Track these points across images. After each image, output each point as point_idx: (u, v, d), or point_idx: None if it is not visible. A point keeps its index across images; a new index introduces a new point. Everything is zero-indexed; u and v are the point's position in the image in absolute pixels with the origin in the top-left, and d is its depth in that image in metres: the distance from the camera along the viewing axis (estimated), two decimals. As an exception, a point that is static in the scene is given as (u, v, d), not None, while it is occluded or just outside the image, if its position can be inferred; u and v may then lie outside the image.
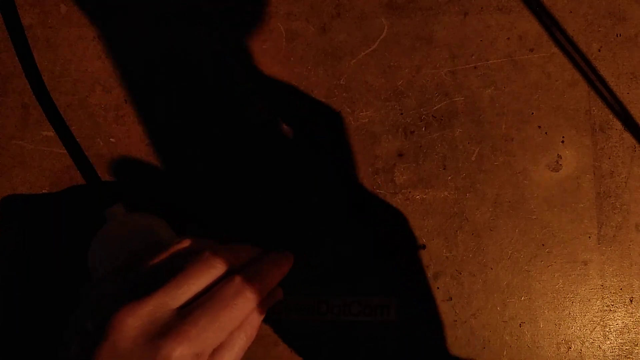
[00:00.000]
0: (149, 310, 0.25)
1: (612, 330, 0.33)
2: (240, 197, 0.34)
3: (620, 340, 0.33)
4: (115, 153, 0.34)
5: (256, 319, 0.27)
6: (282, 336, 0.33)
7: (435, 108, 0.34)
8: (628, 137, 0.34)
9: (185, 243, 0.28)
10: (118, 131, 0.34)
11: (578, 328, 0.33)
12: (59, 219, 0.34)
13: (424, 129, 0.34)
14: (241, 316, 0.26)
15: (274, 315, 0.33)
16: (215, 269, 0.27)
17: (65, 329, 0.25)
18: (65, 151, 0.34)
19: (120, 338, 0.24)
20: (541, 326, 0.33)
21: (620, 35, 0.34)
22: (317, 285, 0.34)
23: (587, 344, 0.33)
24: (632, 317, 0.33)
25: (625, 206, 0.34)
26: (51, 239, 0.34)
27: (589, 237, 0.33)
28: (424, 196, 0.34)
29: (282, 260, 0.28)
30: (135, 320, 0.24)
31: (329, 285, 0.33)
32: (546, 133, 0.34)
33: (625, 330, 0.33)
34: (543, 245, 0.33)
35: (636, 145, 0.34)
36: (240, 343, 0.26)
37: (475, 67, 0.34)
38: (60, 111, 0.35)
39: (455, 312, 0.33)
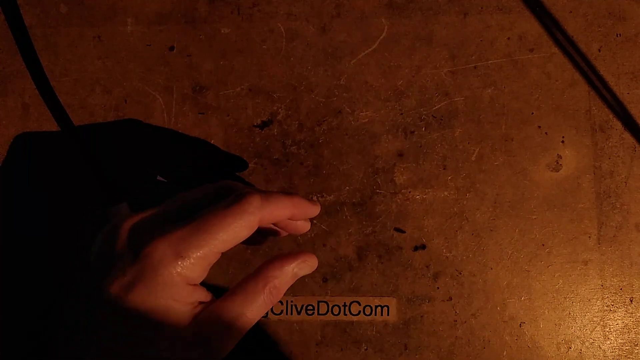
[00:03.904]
0: (146, 216, 0.24)
1: (612, 330, 0.33)
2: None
3: (620, 340, 0.33)
4: (115, 153, 0.34)
5: (277, 277, 0.25)
6: (282, 336, 0.33)
7: (435, 108, 0.34)
8: (628, 137, 0.34)
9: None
10: (118, 131, 0.34)
11: (578, 328, 0.33)
12: (61, 217, 0.34)
13: (424, 129, 0.34)
14: (235, 228, 0.23)
15: (274, 316, 0.33)
16: (221, 188, 0.26)
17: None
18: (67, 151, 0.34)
19: (113, 240, 0.24)
20: (541, 326, 0.33)
21: (620, 35, 0.34)
22: (317, 285, 0.34)
23: (587, 344, 0.33)
24: (632, 317, 0.33)
25: (625, 206, 0.33)
26: (53, 237, 0.34)
27: (589, 237, 0.33)
28: (424, 196, 0.34)
29: (297, 197, 0.26)
30: (129, 224, 0.24)
31: (329, 285, 0.33)
32: (546, 133, 0.34)
33: (625, 330, 0.33)
34: (543, 245, 0.33)
35: (636, 145, 0.34)
36: (257, 298, 0.24)
37: (475, 67, 0.34)
38: (60, 111, 0.35)
39: (455, 312, 0.33)
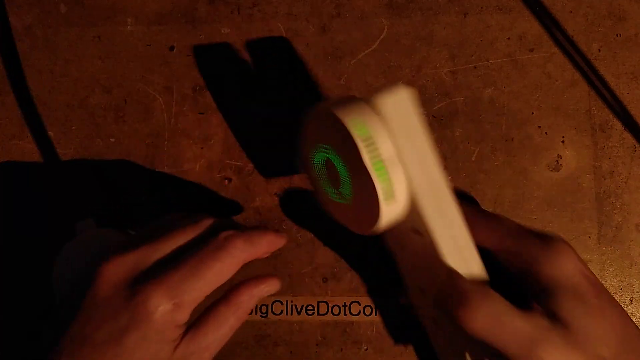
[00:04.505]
0: (131, 260, 0.25)
1: (612, 330, 0.33)
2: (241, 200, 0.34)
3: (620, 340, 0.33)
4: (115, 153, 0.34)
5: (246, 302, 0.27)
6: (282, 336, 0.33)
7: (435, 108, 0.34)
8: (628, 137, 0.34)
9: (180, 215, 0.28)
10: (118, 131, 0.34)
11: (578, 328, 0.33)
12: (61, 217, 0.34)
13: (424, 129, 0.34)
14: (224, 271, 0.25)
15: (274, 316, 0.33)
16: (200, 229, 0.27)
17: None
18: (66, 151, 0.34)
19: (101, 285, 0.24)
20: (541, 326, 0.33)
21: (620, 35, 0.34)
22: (317, 285, 0.34)
23: (587, 344, 0.33)
24: (632, 317, 0.33)
25: (625, 206, 0.34)
26: (53, 237, 0.34)
27: (589, 237, 0.33)
28: (424, 196, 0.34)
29: (271, 234, 0.28)
30: (117, 268, 0.25)
31: (330, 286, 0.33)
32: (546, 133, 0.34)
33: (625, 330, 0.33)
34: (543, 245, 0.33)
35: (636, 145, 0.34)
36: (229, 323, 0.26)
37: (475, 67, 0.34)
38: (60, 111, 0.35)
39: (455, 312, 0.33)
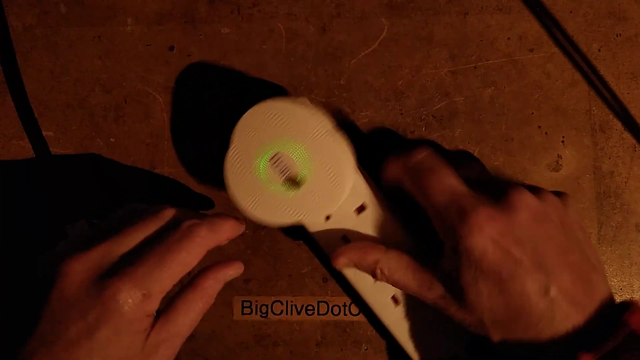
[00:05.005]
0: (96, 256, 0.25)
1: (612, 330, 0.33)
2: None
3: (620, 340, 0.33)
4: (115, 153, 0.34)
5: (212, 286, 0.28)
6: (282, 336, 0.33)
7: (435, 108, 0.34)
8: (628, 137, 0.34)
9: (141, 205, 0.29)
10: (118, 131, 0.34)
11: (578, 328, 0.33)
12: (62, 217, 0.34)
13: (424, 129, 0.34)
14: (189, 259, 0.26)
15: (274, 316, 0.33)
16: (162, 220, 0.27)
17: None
18: (66, 152, 0.34)
19: (67, 284, 0.24)
20: (541, 326, 0.33)
21: (620, 35, 0.34)
22: (317, 285, 0.34)
23: (587, 344, 0.33)
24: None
25: (625, 206, 0.34)
26: (53, 237, 0.34)
27: (589, 237, 0.33)
28: (424, 196, 0.34)
29: (231, 219, 0.29)
30: (82, 266, 0.25)
31: (330, 286, 0.33)
32: (546, 133, 0.34)
33: (625, 330, 0.33)
34: (543, 245, 0.33)
35: (636, 145, 0.34)
36: (197, 307, 0.27)
37: (475, 67, 0.34)
38: (60, 111, 0.35)
39: (455, 312, 0.33)
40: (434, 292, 0.27)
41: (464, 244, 0.25)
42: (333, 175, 0.28)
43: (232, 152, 0.29)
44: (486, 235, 0.24)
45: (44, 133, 0.34)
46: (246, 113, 0.29)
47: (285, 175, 0.28)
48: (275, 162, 0.28)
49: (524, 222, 0.25)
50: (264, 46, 0.35)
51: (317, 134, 0.28)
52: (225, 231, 0.28)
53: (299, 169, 0.28)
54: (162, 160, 0.34)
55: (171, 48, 0.35)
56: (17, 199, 0.34)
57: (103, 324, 0.24)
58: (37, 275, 0.26)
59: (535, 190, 0.27)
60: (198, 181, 0.34)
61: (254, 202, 0.29)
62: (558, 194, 0.28)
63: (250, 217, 0.29)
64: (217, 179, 0.34)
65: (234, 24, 0.35)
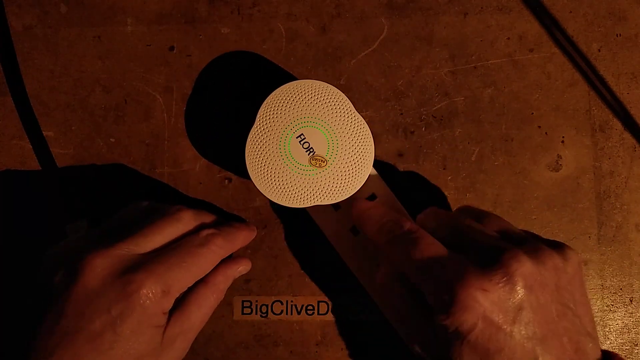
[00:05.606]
0: (119, 252, 0.26)
1: (612, 330, 0.33)
2: (241, 201, 0.34)
3: (620, 340, 0.33)
4: (115, 153, 0.34)
5: (222, 282, 0.30)
6: (282, 336, 0.33)
7: (435, 108, 0.34)
8: (628, 137, 0.34)
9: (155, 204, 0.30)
10: (118, 131, 0.34)
11: (578, 328, 0.33)
12: (62, 217, 0.34)
13: (424, 129, 0.34)
14: (206, 265, 0.28)
15: (274, 316, 0.33)
16: (181, 223, 0.29)
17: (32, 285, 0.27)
18: (66, 152, 0.34)
19: (90, 278, 0.25)
20: (541, 326, 0.33)
21: (620, 35, 0.34)
22: (317, 286, 0.34)
23: (587, 344, 0.33)
24: (632, 317, 0.33)
25: (625, 206, 0.34)
26: (53, 237, 0.34)
27: (589, 237, 0.33)
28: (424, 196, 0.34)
29: (245, 229, 0.31)
30: (106, 261, 0.25)
31: (329, 285, 0.33)
32: (546, 133, 0.34)
33: (625, 330, 0.33)
34: (543, 245, 0.33)
35: (636, 145, 0.34)
36: (208, 302, 0.29)
37: (475, 67, 0.34)
38: (60, 111, 0.35)
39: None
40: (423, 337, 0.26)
41: (451, 319, 0.23)
42: (356, 157, 0.29)
43: (255, 131, 0.30)
44: (476, 312, 0.23)
45: (44, 133, 0.34)
46: (272, 93, 0.30)
47: (311, 154, 0.29)
48: (301, 142, 0.29)
49: (516, 292, 0.24)
50: (264, 46, 0.35)
51: (341, 117, 0.29)
52: (240, 241, 0.31)
53: (325, 150, 0.29)
54: (162, 160, 0.34)
55: (171, 48, 0.35)
56: (17, 199, 0.34)
57: (127, 317, 0.25)
58: (42, 273, 0.26)
59: (533, 249, 0.25)
60: (198, 181, 0.34)
61: (274, 183, 0.29)
62: (559, 246, 0.26)
63: (270, 198, 0.30)
64: (217, 179, 0.34)
65: (234, 24, 0.35)
